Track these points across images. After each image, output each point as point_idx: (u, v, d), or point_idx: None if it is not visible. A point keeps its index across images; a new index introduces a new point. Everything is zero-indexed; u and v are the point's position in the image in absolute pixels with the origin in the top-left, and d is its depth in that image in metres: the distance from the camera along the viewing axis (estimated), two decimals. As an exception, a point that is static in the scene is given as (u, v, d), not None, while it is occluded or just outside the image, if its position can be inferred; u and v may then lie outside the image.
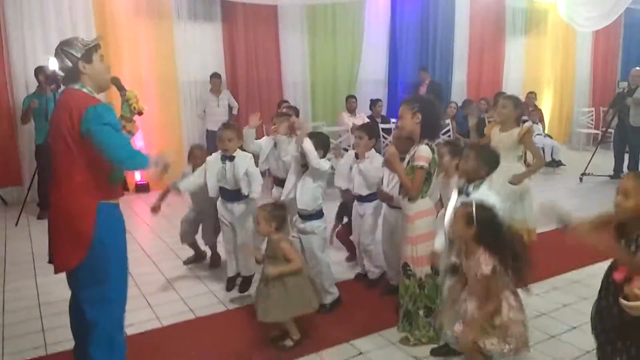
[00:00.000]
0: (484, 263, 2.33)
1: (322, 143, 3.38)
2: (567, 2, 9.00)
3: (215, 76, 7.29)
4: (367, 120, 7.45)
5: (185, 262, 4.39)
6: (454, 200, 2.84)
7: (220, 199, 3.64)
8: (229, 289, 3.73)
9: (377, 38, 8.78)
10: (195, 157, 4.09)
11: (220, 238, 4.06)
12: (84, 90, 2.38)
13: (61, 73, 2.41)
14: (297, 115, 5.47)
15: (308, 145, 3.23)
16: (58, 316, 3.36)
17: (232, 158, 3.50)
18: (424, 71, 8.46)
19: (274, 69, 7.95)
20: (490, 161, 2.85)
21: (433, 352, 2.94)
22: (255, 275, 3.61)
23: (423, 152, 2.90)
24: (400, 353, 2.97)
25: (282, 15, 7.91)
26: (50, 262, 2.48)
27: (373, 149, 3.82)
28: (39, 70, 5.73)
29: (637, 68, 7.76)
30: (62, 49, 2.37)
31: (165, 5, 7.08)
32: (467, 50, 9.68)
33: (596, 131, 10.54)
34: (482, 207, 2.42)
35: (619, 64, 11.45)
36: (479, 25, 9.64)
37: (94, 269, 2.34)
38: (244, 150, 3.71)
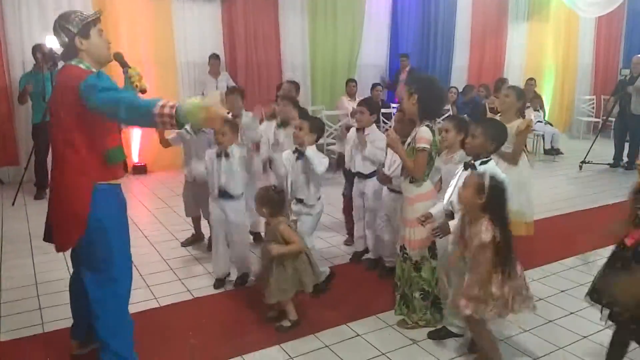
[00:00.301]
0: (485, 230, 2.33)
1: (316, 127, 3.34)
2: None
3: (214, 57, 7.20)
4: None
5: (183, 244, 4.38)
6: (459, 174, 2.80)
7: (212, 197, 3.57)
8: (217, 287, 3.61)
9: (378, 22, 8.67)
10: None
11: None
12: (81, 66, 2.31)
13: (59, 49, 2.37)
14: (298, 90, 5.46)
15: (311, 153, 3.23)
16: (55, 295, 3.38)
17: (227, 154, 3.44)
18: (404, 57, 8.20)
19: (273, 51, 7.85)
20: (498, 136, 2.82)
21: (431, 335, 2.94)
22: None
23: (424, 134, 2.86)
24: (397, 335, 2.97)
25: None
26: (45, 240, 2.47)
27: (374, 125, 3.83)
28: (37, 48, 5.65)
29: (638, 55, 7.70)
30: (60, 24, 2.32)
31: (164, -16, 6.97)
32: (469, 35, 9.58)
33: (597, 119, 10.50)
34: (495, 179, 2.40)
35: (621, 51, 11.34)
36: (482, 10, 9.53)
37: (94, 249, 2.34)
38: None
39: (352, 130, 3.98)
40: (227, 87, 7.30)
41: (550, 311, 3.25)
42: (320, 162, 3.24)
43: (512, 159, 3.76)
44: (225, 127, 3.39)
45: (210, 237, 4.31)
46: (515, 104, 3.85)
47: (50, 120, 2.40)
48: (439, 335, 2.92)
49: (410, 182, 2.95)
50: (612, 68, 11.17)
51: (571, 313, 3.24)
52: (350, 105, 7.15)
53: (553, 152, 8.53)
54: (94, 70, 2.32)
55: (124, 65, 2.70)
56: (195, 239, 4.44)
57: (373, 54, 8.70)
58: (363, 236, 4.01)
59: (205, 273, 3.82)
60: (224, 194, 3.49)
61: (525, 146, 4.09)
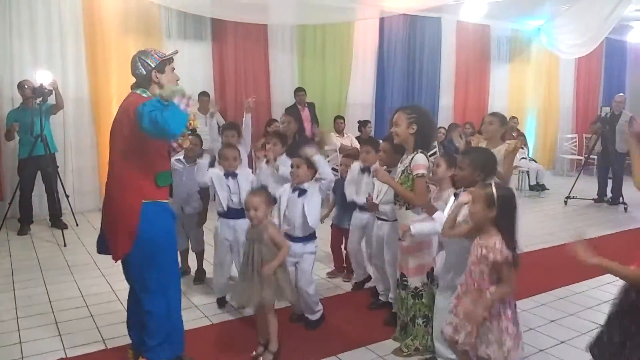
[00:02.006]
0: (500, 250, 2.23)
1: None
2: (549, 31, 9.27)
3: (203, 95, 7.28)
4: (355, 140, 7.49)
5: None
6: (449, 206, 2.76)
7: (221, 218, 3.63)
8: (221, 305, 3.71)
9: (365, 62, 8.88)
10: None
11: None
12: (143, 95, 2.56)
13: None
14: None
15: (320, 158, 3.27)
16: (35, 330, 3.29)
17: (234, 175, 3.56)
18: (300, 92, 7.81)
19: (263, 89, 7.98)
20: (485, 166, 2.74)
21: None
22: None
23: (421, 161, 2.88)
24: (390, 366, 2.92)
25: (272, 36, 8.00)
26: (99, 252, 2.73)
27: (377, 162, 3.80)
28: (22, 84, 5.66)
29: (621, 94, 7.97)
30: (139, 57, 2.58)
31: (155, 23, 7.12)
32: (453, 77, 9.83)
33: (579, 157, 10.71)
34: (503, 188, 2.35)
35: (600, 90, 11.72)
36: (465, 53, 9.81)
37: (143, 261, 2.55)
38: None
39: (355, 164, 4.00)
40: (217, 124, 7.37)
41: (541, 341, 3.22)
42: (328, 168, 3.32)
43: (502, 182, 3.79)
44: (235, 152, 3.59)
45: (197, 271, 4.27)
46: (499, 130, 3.91)
47: (110, 141, 2.63)
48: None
49: (407, 208, 2.95)
50: (592, 107, 11.49)
51: (562, 342, 3.22)
52: (338, 141, 7.24)
53: (538, 187, 8.64)
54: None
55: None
56: (182, 273, 4.36)
57: (360, 92, 8.87)
58: (362, 265, 4.03)
59: (192, 307, 3.74)
60: (235, 213, 3.54)
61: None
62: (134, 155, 2.49)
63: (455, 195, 2.76)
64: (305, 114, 7.55)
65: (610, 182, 7.74)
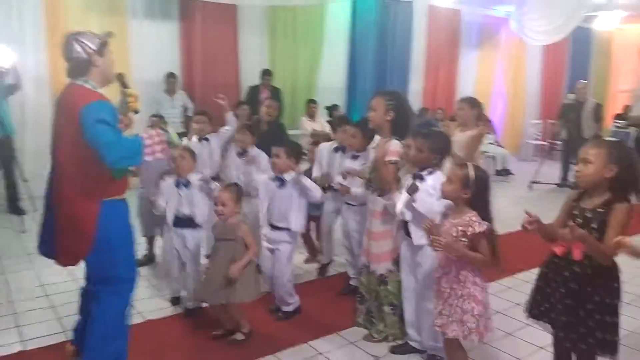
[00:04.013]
0: (478, 222, 2.24)
1: (296, 152, 3.28)
2: (518, 17, 9.35)
3: (170, 76, 7.09)
4: (327, 125, 7.42)
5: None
6: (407, 185, 2.75)
7: (168, 226, 3.41)
8: (173, 303, 3.52)
9: (337, 46, 8.78)
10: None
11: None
12: (87, 85, 2.35)
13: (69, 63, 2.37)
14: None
15: (307, 181, 3.17)
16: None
17: (187, 183, 3.32)
18: (266, 76, 7.61)
19: (232, 70, 7.80)
20: (442, 149, 2.75)
21: (394, 350, 2.90)
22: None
23: (395, 147, 2.86)
24: (360, 352, 2.92)
25: (241, 17, 7.80)
26: (43, 254, 2.52)
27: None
28: None
29: (582, 81, 8.14)
30: (76, 39, 2.34)
31: (119, 1, 6.85)
32: (423, 61, 9.84)
33: (543, 142, 10.95)
34: (480, 169, 2.36)
35: (566, 78, 11.96)
36: (436, 37, 9.82)
37: (101, 263, 2.41)
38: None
39: (323, 144, 3.95)
40: (184, 106, 7.21)
41: (508, 324, 3.28)
42: (316, 187, 3.19)
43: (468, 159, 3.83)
44: (185, 152, 3.33)
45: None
46: (472, 112, 3.92)
47: (53, 139, 2.41)
48: (402, 350, 2.88)
49: (379, 195, 2.93)
50: (558, 93, 11.72)
51: (527, 325, 3.26)
52: (310, 126, 7.17)
53: (504, 172, 8.80)
54: (99, 91, 2.35)
55: (125, 86, 2.67)
56: (147, 260, 4.26)
57: (332, 76, 8.78)
58: (331, 248, 4.02)
59: (158, 295, 3.66)
60: (185, 223, 3.34)
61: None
62: (86, 152, 2.27)
63: (414, 176, 2.74)
64: (266, 96, 7.38)
65: (572, 167, 7.93)
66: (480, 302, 2.29)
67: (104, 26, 6.64)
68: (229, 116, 4.31)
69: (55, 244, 2.42)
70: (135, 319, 3.24)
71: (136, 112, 2.65)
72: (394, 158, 2.86)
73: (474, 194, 2.29)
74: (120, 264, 2.44)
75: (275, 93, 7.55)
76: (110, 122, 2.25)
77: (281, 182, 3.19)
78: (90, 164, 2.27)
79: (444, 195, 2.39)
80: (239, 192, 2.98)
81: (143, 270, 4.08)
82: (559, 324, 2.18)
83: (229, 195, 2.89)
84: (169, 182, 3.39)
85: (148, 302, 3.52)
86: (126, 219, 2.50)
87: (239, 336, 2.95)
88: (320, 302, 3.58)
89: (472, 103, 3.99)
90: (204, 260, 3.56)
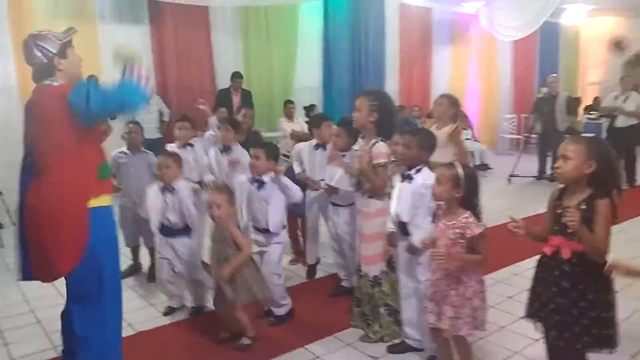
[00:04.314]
0: (475, 223, 2.25)
1: (273, 154, 3.22)
2: (487, 13, 9.50)
3: (144, 80, 6.93)
4: (305, 125, 7.39)
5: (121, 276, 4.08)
6: (397, 186, 2.77)
7: (159, 234, 3.33)
8: (167, 314, 3.43)
9: (311, 45, 8.76)
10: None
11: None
12: (55, 84, 2.24)
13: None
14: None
15: (287, 181, 3.12)
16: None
17: (173, 189, 3.24)
18: (237, 79, 7.49)
19: (207, 73, 7.70)
20: (430, 146, 2.77)
21: (391, 349, 2.89)
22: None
23: (382, 149, 2.85)
24: (357, 353, 2.90)
25: (213, 19, 7.70)
26: (25, 279, 2.27)
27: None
28: None
29: (553, 75, 8.31)
30: (34, 43, 2.23)
31: (87, 5, 6.67)
32: (398, 60, 9.90)
33: (518, 136, 11.14)
34: (468, 168, 2.37)
35: (536, 72, 12.21)
36: (408, 36, 9.90)
37: (85, 280, 2.23)
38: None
39: (304, 144, 3.93)
40: (159, 111, 7.07)
41: (502, 317, 3.31)
42: (296, 187, 3.15)
43: (463, 155, 3.87)
44: (169, 160, 3.24)
45: (150, 267, 4.07)
46: (449, 110, 3.95)
47: (28, 148, 2.27)
48: (400, 349, 2.87)
49: (370, 197, 2.91)
50: (529, 88, 11.96)
51: (521, 318, 3.29)
52: (288, 126, 7.12)
53: (482, 167, 8.91)
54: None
55: None
56: (133, 270, 4.15)
57: (307, 76, 8.75)
58: (316, 248, 3.98)
59: (147, 305, 3.57)
60: (172, 231, 3.27)
61: None
62: (72, 152, 2.18)
63: (403, 176, 2.74)
64: (237, 99, 7.33)
65: (549, 160, 8.09)
66: (483, 297, 2.31)
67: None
68: (212, 120, 4.24)
69: (31, 260, 2.25)
70: (126, 332, 3.15)
71: (113, 118, 2.60)
72: (382, 160, 2.84)
73: (466, 192, 2.30)
74: (106, 279, 2.27)
75: (247, 97, 7.48)
76: (98, 87, 2.15)
77: (260, 183, 3.15)
78: (77, 162, 2.18)
79: (436, 197, 2.39)
80: (231, 193, 2.94)
81: (130, 281, 4.00)
82: (551, 323, 2.18)
83: (222, 196, 2.84)
84: (153, 188, 3.31)
85: (138, 313, 3.42)
86: (113, 228, 2.39)
87: (246, 341, 2.92)
88: (312, 304, 3.54)
89: (452, 100, 4.03)
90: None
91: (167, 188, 3.24)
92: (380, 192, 2.87)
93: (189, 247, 3.33)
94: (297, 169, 3.93)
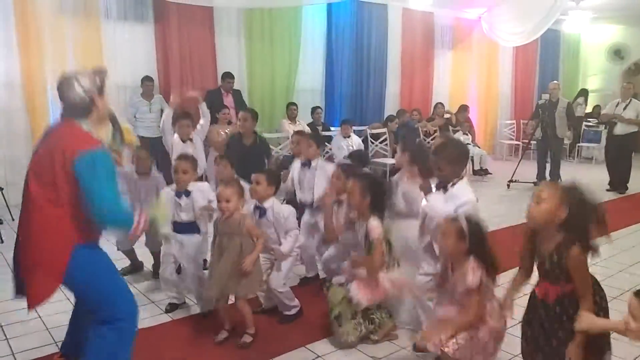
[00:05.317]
0: (472, 273, 2.29)
1: (274, 180, 3.25)
2: (490, 19, 9.55)
3: (147, 80, 6.96)
4: (307, 127, 7.43)
5: (121, 273, 4.08)
6: (436, 198, 2.77)
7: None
8: (168, 311, 3.45)
9: (314, 48, 8.80)
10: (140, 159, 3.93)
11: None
12: (84, 127, 2.21)
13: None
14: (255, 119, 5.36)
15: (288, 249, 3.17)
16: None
17: (187, 193, 3.28)
18: (228, 79, 7.42)
19: (210, 74, 7.71)
20: (460, 158, 2.78)
21: (416, 348, 2.90)
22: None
23: (376, 225, 2.83)
24: (358, 354, 2.92)
25: (218, 20, 7.73)
26: (18, 293, 2.32)
27: (320, 158, 3.89)
28: None
29: (555, 82, 8.36)
30: (77, 79, 2.21)
31: (93, 3, 6.69)
32: (399, 64, 9.93)
33: (517, 142, 11.19)
34: (471, 219, 2.38)
35: (536, 79, 12.26)
36: (410, 40, 9.93)
37: (89, 306, 2.32)
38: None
39: (297, 162, 3.97)
40: (161, 110, 7.07)
41: (502, 321, 3.32)
42: (293, 222, 3.22)
43: None
44: (187, 165, 3.28)
45: (154, 264, 4.06)
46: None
47: (31, 171, 2.23)
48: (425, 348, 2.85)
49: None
50: (528, 94, 12.02)
51: (520, 322, 3.33)
52: (291, 128, 7.15)
53: (482, 172, 8.95)
54: (94, 135, 2.22)
55: (115, 122, 2.57)
56: (134, 268, 4.16)
57: (310, 78, 8.79)
58: (313, 262, 3.98)
59: (149, 303, 3.58)
60: (183, 228, 3.30)
61: None
62: (70, 191, 2.12)
63: (437, 186, 2.78)
64: (229, 100, 7.33)
65: (548, 165, 8.13)
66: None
67: (77, 29, 6.58)
68: (203, 107, 4.25)
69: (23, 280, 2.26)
70: (127, 329, 3.18)
71: (131, 145, 2.62)
72: (376, 236, 2.80)
73: (472, 243, 2.32)
74: (110, 305, 2.28)
75: (238, 96, 7.46)
76: (111, 178, 2.15)
77: (261, 211, 3.15)
78: (71, 204, 2.14)
79: (442, 251, 2.43)
80: (241, 187, 2.97)
81: (131, 279, 4.01)
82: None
83: (232, 190, 2.88)
84: (168, 191, 3.35)
85: (140, 311, 3.41)
86: (98, 261, 2.32)
87: (248, 338, 2.95)
88: (314, 304, 3.55)
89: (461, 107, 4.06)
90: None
91: (181, 193, 3.29)
92: (378, 269, 2.81)
93: (196, 244, 3.35)
94: (292, 185, 3.98)
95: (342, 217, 3.24)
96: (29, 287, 2.22)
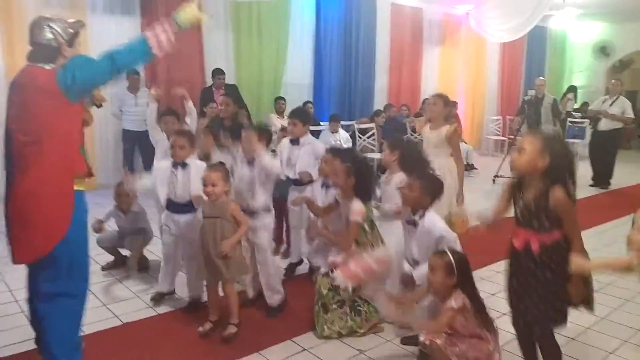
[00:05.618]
0: (454, 299, 2.35)
1: (266, 135, 3.29)
2: (478, 15, 9.59)
3: (132, 73, 6.88)
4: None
5: (105, 268, 4.05)
6: (404, 229, 2.89)
7: (166, 210, 3.36)
8: (155, 300, 3.45)
9: (302, 41, 8.78)
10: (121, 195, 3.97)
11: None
12: (48, 67, 2.21)
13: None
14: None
15: (268, 160, 3.14)
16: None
17: (184, 165, 3.26)
18: (219, 75, 7.33)
19: (196, 68, 7.67)
20: (434, 192, 2.85)
21: (404, 341, 2.93)
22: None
23: (357, 207, 2.88)
24: (344, 347, 2.93)
25: (205, 13, 7.64)
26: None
27: (309, 134, 3.90)
28: None
29: (541, 78, 8.43)
30: (49, 25, 2.22)
31: (79, -4, 6.62)
32: (388, 58, 9.95)
33: (503, 138, 11.28)
34: (457, 253, 2.46)
35: (522, 75, 12.36)
36: (399, 35, 9.96)
37: (56, 263, 2.21)
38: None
39: (285, 140, 3.99)
40: (147, 104, 6.99)
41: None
42: (277, 165, 3.21)
43: (459, 160, 3.98)
44: (183, 140, 3.26)
45: (140, 258, 4.04)
46: (443, 111, 4.00)
47: (10, 125, 2.22)
48: (412, 341, 2.86)
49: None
50: (515, 90, 12.12)
51: (503, 314, 3.36)
52: (279, 122, 7.13)
53: (468, 167, 9.00)
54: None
55: None
56: (118, 263, 4.13)
57: (298, 72, 8.77)
58: (299, 245, 3.99)
59: (134, 297, 3.56)
60: (179, 208, 3.29)
61: None
62: (58, 130, 2.18)
63: (408, 222, 2.86)
64: (220, 97, 7.28)
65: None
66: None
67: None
68: (190, 105, 4.21)
69: (12, 241, 2.24)
70: (112, 323, 3.17)
71: (99, 105, 2.64)
72: (357, 218, 2.86)
73: (459, 278, 2.38)
74: (75, 264, 2.27)
75: (233, 91, 7.31)
76: (87, 60, 2.21)
77: (250, 162, 3.22)
78: (63, 142, 2.19)
79: (431, 286, 2.47)
80: (227, 171, 2.98)
81: (116, 273, 4.00)
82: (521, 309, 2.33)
83: (218, 174, 2.88)
84: (164, 164, 3.34)
85: (124, 305, 3.43)
86: (86, 214, 2.34)
87: (232, 329, 2.95)
88: (300, 298, 3.56)
89: (446, 101, 4.06)
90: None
91: (178, 163, 3.26)
92: (347, 247, 2.88)
93: (192, 224, 3.32)
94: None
95: (330, 200, 3.27)
96: (20, 243, 2.21)
